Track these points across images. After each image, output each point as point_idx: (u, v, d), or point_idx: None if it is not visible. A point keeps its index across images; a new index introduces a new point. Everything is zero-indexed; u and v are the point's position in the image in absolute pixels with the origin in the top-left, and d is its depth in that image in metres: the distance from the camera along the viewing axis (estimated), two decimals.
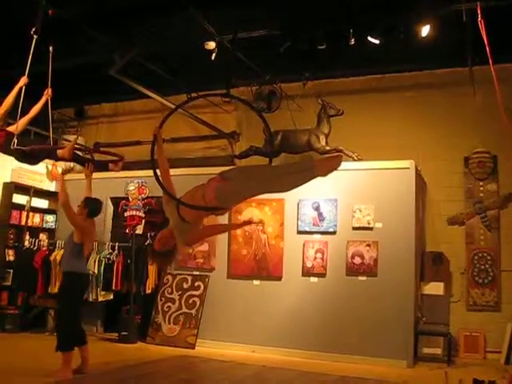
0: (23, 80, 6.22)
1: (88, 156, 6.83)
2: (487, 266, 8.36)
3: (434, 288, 8.33)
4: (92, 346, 8.13)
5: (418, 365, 7.48)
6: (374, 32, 7.33)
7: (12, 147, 6.02)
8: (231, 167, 4.30)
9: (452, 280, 8.51)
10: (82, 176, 6.80)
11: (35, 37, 6.28)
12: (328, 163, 4.04)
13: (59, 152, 6.25)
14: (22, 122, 6.23)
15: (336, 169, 4.00)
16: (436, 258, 8.48)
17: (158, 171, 4.54)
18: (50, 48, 6.66)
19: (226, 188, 4.22)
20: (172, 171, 7.56)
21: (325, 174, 3.99)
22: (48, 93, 6.61)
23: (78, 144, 6.62)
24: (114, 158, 6.76)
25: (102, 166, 7.08)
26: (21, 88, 6.16)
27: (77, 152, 6.61)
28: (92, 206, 6.36)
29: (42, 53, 6.45)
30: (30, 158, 6.20)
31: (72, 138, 11.02)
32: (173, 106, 9.61)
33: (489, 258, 8.37)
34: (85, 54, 8.49)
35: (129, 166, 9.94)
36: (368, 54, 8.03)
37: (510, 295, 8.11)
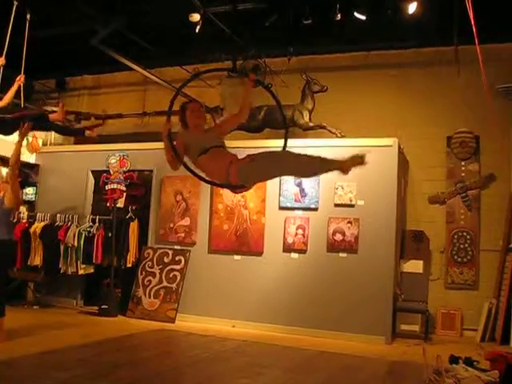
0: (0, 60, 6.13)
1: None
2: (466, 245, 8.44)
3: (414, 266, 8.40)
4: (72, 318, 8.20)
5: (395, 341, 7.58)
6: (360, 8, 7.28)
7: None
8: (261, 151, 4.36)
9: (431, 258, 8.59)
10: (62, 148, 6.72)
11: (15, 3, 6.17)
12: (354, 163, 4.17)
13: (52, 116, 6.23)
14: None
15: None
16: (416, 236, 8.54)
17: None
18: (28, 16, 6.52)
19: (250, 169, 4.30)
20: (154, 145, 7.55)
21: (347, 173, 4.17)
22: (20, 79, 6.51)
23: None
24: (95, 124, 6.78)
25: (80, 133, 7.01)
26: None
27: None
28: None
29: (24, 22, 6.34)
30: (6, 126, 6.17)
31: (54, 108, 10.88)
32: (155, 79, 9.55)
33: (468, 237, 8.44)
34: (67, 24, 8.33)
35: (110, 139, 9.86)
36: (354, 31, 7.98)
37: (487, 274, 8.21)
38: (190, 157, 4.55)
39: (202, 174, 4.47)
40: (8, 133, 6.68)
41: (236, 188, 4.58)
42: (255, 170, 4.35)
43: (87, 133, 6.85)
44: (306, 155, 4.23)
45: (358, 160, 4.18)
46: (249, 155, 4.33)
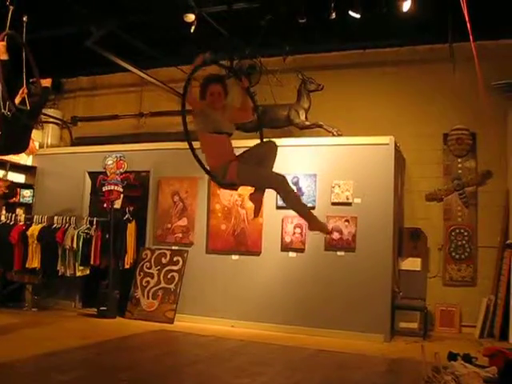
0: None
1: None
2: (464, 242, 8.44)
3: (412, 263, 8.41)
4: (71, 320, 8.19)
5: (394, 339, 7.59)
6: (354, 6, 7.27)
7: None
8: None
9: (429, 256, 8.59)
10: (58, 150, 6.68)
11: (11, 8, 6.13)
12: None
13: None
14: None
15: None
16: (414, 233, 8.55)
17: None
18: (24, 18, 6.47)
19: (247, 169, 4.75)
20: (150, 146, 7.54)
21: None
22: (24, 92, 6.49)
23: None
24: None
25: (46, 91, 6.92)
26: None
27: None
28: None
29: (17, 24, 6.30)
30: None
31: (49, 111, 10.79)
32: (151, 80, 9.54)
33: (466, 234, 8.45)
34: (61, 25, 8.30)
35: (107, 140, 9.86)
36: (349, 29, 7.97)
37: (485, 271, 8.22)
38: (199, 123, 4.62)
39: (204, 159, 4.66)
40: (24, 141, 6.66)
41: (226, 185, 4.92)
42: (250, 170, 4.58)
43: (43, 82, 6.75)
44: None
45: (324, 230, 5.09)
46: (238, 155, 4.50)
